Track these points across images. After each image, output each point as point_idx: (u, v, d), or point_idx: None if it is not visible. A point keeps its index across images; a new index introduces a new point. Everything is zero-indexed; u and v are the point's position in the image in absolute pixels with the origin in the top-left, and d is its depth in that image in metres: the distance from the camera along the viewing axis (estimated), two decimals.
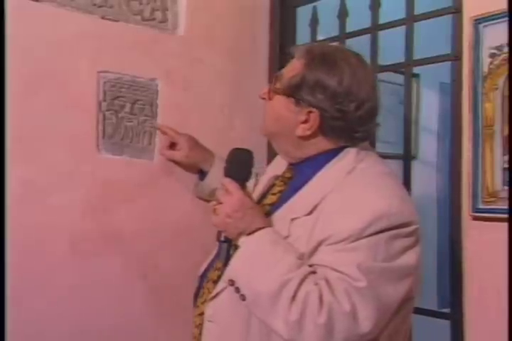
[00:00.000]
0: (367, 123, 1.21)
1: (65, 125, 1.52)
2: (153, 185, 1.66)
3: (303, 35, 1.96)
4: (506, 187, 1.40)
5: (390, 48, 1.74)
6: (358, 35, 1.81)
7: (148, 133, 1.67)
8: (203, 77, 1.78)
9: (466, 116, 1.49)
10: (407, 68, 1.72)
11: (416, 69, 1.77)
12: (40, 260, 1.47)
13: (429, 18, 1.65)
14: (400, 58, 1.71)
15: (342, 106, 1.17)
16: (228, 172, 1.23)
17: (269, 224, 1.18)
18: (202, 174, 1.67)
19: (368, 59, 1.47)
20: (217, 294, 1.21)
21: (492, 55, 1.44)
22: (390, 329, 1.13)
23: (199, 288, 1.31)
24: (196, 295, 1.31)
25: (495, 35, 1.42)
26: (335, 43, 1.78)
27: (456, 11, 1.54)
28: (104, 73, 1.59)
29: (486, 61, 1.45)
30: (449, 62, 1.58)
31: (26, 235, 1.45)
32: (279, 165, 1.35)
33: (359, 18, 1.79)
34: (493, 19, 1.43)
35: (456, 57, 1.54)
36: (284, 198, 1.25)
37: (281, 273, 1.08)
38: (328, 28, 1.89)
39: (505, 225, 1.32)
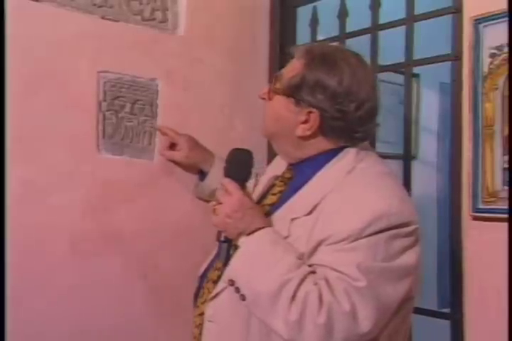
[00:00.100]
0: (367, 123, 1.21)
1: (65, 125, 1.52)
2: (153, 185, 1.66)
3: (303, 35, 1.96)
4: (506, 187, 1.40)
5: (390, 48, 1.74)
6: (358, 35, 1.81)
7: (148, 133, 1.67)
8: (203, 77, 1.78)
9: (466, 116, 1.49)
10: (407, 68, 1.72)
11: (416, 69, 1.77)
12: (40, 260, 1.47)
13: (429, 18, 1.65)
14: (400, 58, 1.71)
15: (342, 107, 1.17)
16: (228, 173, 1.23)
17: (269, 224, 1.18)
18: (202, 174, 1.67)
19: (368, 59, 1.47)
20: (217, 294, 1.21)
21: (492, 55, 1.44)
22: (389, 329, 1.13)
23: (199, 288, 1.31)
24: (196, 295, 1.31)
25: (495, 35, 1.42)
26: (335, 43, 1.78)
27: (456, 11, 1.54)
28: (104, 73, 1.59)
29: (486, 61, 1.45)
30: (449, 62, 1.58)
31: (26, 235, 1.45)
32: (278, 166, 1.35)
33: (359, 18, 1.79)
34: (493, 19, 1.43)
35: (456, 57, 1.54)
36: (284, 198, 1.25)
37: (281, 273, 1.08)
38: (328, 28, 1.89)
39: (505, 225, 1.32)
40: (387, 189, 1.17)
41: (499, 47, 1.42)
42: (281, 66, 1.41)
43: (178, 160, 1.67)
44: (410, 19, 1.68)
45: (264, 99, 1.28)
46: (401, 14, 1.69)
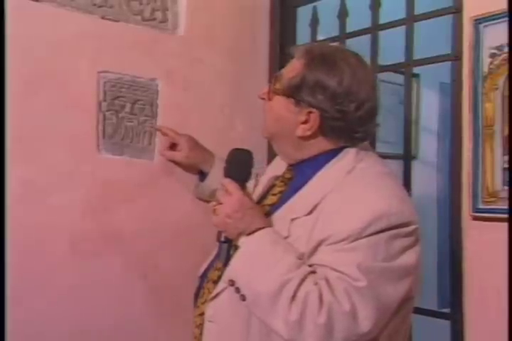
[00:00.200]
0: (367, 123, 1.21)
1: (65, 125, 1.52)
2: (153, 185, 1.66)
3: (303, 35, 1.96)
4: (506, 187, 1.40)
5: (390, 48, 1.74)
6: (358, 35, 1.81)
7: (148, 133, 1.67)
8: (203, 77, 1.78)
9: (466, 116, 1.49)
10: (407, 68, 1.72)
11: (416, 69, 1.77)
12: (40, 260, 1.47)
13: (429, 18, 1.65)
14: (400, 58, 1.71)
15: (342, 107, 1.17)
16: (228, 173, 1.23)
17: (269, 225, 1.18)
18: (202, 175, 1.67)
19: (367, 59, 1.47)
20: (217, 294, 1.21)
21: (492, 55, 1.44)
22: (389, 329, 1.13)
23: (199, 288, 1.31)
24: (196, 296, 1.31)
25: (495, 35, 1.42)
26: (335, 43, 1.77)
27: (456, 11, 1.54)
28: (104, 73, 1.59)
29: (486, 61, 1.45)
30: (449, 62, 1.58)
31: (26, 235, 1.45)
32: (278, 166, 1.35)
33: (359, 18, 1.79)
34: (493, 19, 1.43)
35: (456, 57, 1.54)
36: (284, 198, 1.25)
37: (281, 273, 1.08)
38: (328, 28, 1.89)
39: (505, 225, 1.32)
40: (387, 189, 1.17)
41: (499, 47, 1.42)
42: (281, 66, 1.41)
43: (178, 160, 1.67)
44: (410, 19, 1.68)
45: (263, 99, 1.28)
46: (401, 14, 1.69)
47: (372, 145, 1.56)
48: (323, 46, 1.31)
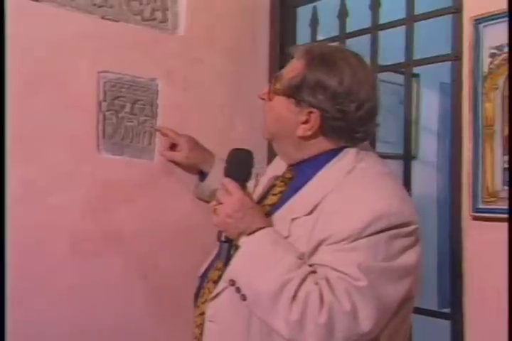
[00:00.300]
0: (367, 123, 1.21)
1: (65, 125, 1.52)
2: (153, 185, 1.66)
3: (303, 35, 1.96)
4: (506, 187, 1.40)
5: (390, 48, 1.74)
6: (358, 35, 1.81)
7: (148, 133, 1.67)
8: (203, 77, 1.78)
9: (466, 116, 1.49)
10: (407, 68, 1.72)
11: (416, 69, 1.77)
12: (40, 260, 1.47)
13: (429, 18, 1.65)
14: (400, 58, 1.71)
15: (343, 107, 1.17)
16: (228, 173, 1.23)
17: (270, 224, 1.18)
18: (202, 175, 1.67)
19: (367, 59, 1.47)
20: (217, 294, 1.21)
21: (492, 55, 1.44)
22: (390, 329, 1.13)
23: (199, 288, 1.31)
24: (197, 295, 1.31)
25: (495, 35, 1.42)
26: (335, 43, 1.78)
27: (456, 11, 1.54)
28: (104, 73, 1.59)
29: (486, 61, 1.45)
30: (449, 62, 1.58)
31: (26, 235, 1.45)
32: (278, 166, 1.35)
33: (359, 18, 1.79)
34: (493, 19, 1.43)
35: (456, 57, 1.54)
36: (284, 198, 1.25)
37: (282, 273, 1.08)
38: (328, 28, 1.89)
39: (505, 225, 1.32)
40: (387, 189, 1.17)
41: (499, 47, 1.42)
42: (281, 66, 1.41)
43: (178, 160, 1.67)
44: (410, 19, 1.68)
45: (263, 99, 1.28)
46: (401, 14, 1.69)
47: (372, 145, 1.56)
48: (323, 46, 1.31)
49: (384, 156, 1.34)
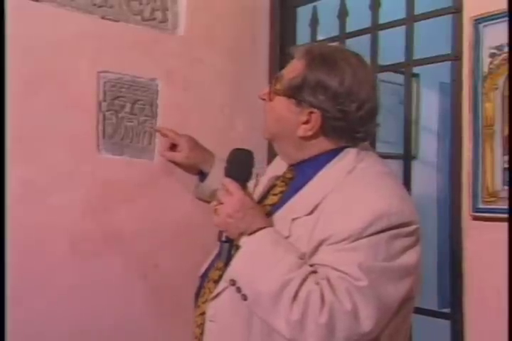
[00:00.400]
0: (367, 123, 1.21)
1: (65, 125, 1.52)
2: (153, 185, 1.66)
3: (303, 35, 1.96)
4: (506, 187, 1.40)
5: (390, 48, 1.74)
6: (358, 35, 1.81)
7: (148, 133, 1.67)
8: (203, 77, 1.78)
9: (466, 116, 1.49)
10: (407, 68, 1.72)
11: (416, 69, 1.77)
12: (40, 260, 1.47)
13: (429, 18, 1.65)
14: (400, 58, 1.71)
15: (343, 107, 1.17)
16: (229, 173, 1.23)
17: (270, 224, 1.18)
18: (202, 175, 1.67)
19: (368, 59, 1.47)
20: (218, 294, 1.21)
21: (492, 55, 1.44)
22: (390, 329, 1.13)
23: (200, 287, 1.31)
24: (197, 295, 1.31)
25: (495, 35, 1.43)
26: (335, 43, 1.78)
27: (456, 11, 1.54)
28: (104, 73, 1.58)
29: (486, 61, 1.45)
30: (449, 62, 1.58)
31: (26, 235, 1.45)
32: (279, 166, 1.35)
33: (359, 18, 1.79)
34: (493, 19, 1.43)
35: (456, 57, 1.54)
36: (285, 198, 1.25)
37: (283, 273, 1.08)
38: (328, 28, 1.89)
39: (505, 225, 1.32)
40: (387, 189, 1.17)
41: (499, 47, 1.42)
42: (282, 66, 1.41)
43: (178, 161, 1.66)
44: (410, 19, 1.68)
45: (264, 99, 1.28)
46: (401, 14, 1.69)
47: (373, 145, 1.56)
48: (324, 46, 1.31)
49: (384, 156, 1.34)
